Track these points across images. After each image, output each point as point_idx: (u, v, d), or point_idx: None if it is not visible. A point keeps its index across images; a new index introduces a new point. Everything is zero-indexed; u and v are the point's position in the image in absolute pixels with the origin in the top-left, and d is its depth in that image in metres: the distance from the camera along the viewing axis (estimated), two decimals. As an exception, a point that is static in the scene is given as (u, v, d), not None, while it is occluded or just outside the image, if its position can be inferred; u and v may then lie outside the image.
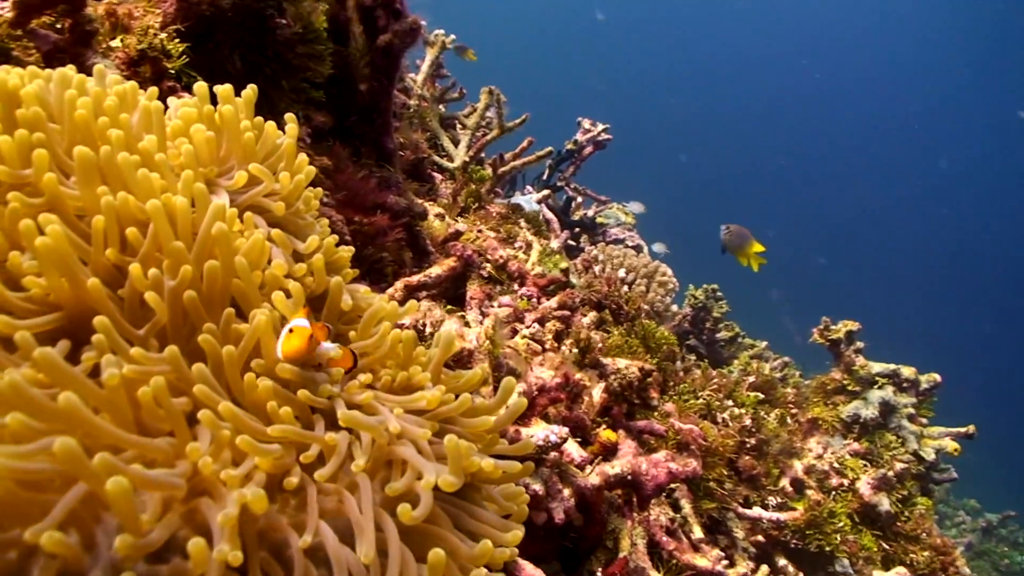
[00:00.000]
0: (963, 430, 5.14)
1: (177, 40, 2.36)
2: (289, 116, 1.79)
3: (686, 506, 3.73)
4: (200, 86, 1.69)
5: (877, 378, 5.07)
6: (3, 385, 0.95)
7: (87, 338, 1.27)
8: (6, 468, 0.91)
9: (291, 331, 1.29)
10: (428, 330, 2.71)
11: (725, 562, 3.58)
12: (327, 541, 1.11)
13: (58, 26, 2.10)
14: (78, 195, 1.34)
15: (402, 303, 3.10)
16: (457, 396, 1.43)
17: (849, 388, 5.10)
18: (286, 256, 1.54)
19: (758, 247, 5.56)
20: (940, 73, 52.78)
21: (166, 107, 1.71)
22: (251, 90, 1.76)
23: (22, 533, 0.95)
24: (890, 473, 4.58)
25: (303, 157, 1.71)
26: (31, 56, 1.98)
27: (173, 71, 2.23)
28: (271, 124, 1.74)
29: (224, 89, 1.70)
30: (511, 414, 1.49)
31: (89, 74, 2.10)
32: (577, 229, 6.81)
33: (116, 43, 2.23)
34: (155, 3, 2.43)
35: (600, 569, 2.85)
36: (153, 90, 1.62)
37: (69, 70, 1.55)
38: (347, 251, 1.73)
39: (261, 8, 2.69)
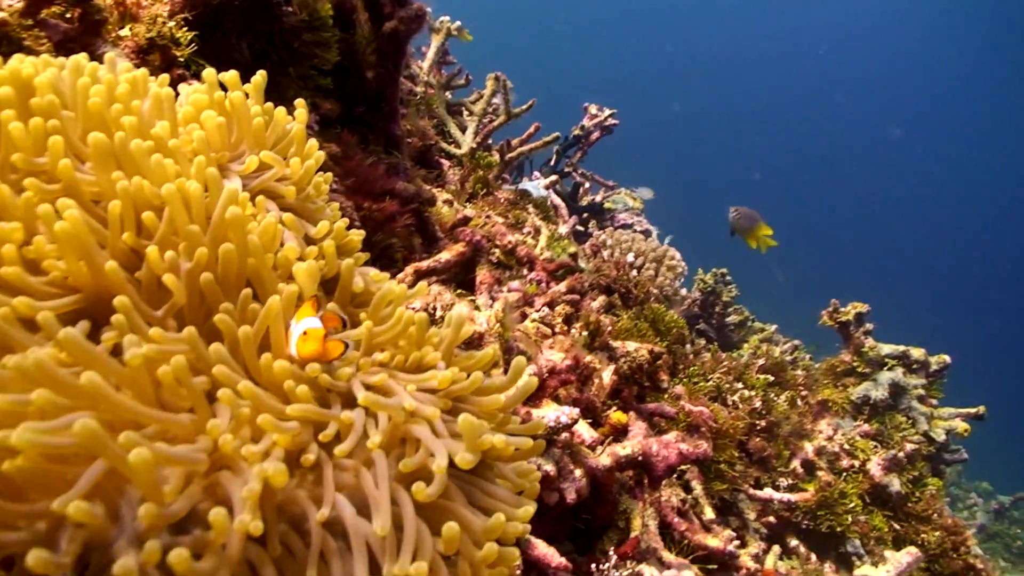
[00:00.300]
0: (973, 410, 5.15)
1: (185, 28, 2.37)
2: (299, 101, 1.80)
3: (697, 487, 3.76)
4: (209, 72, 1.71)
5: (887, 359, 5.08)
6: (29, 363, 0.98)
7: (106, 319, 1.29)
8: (33, 442, 0.93)
9: (305, 333, 1.30)
10: (439, 313, 2.73)
11: (736, 542, 3.60)
12: (344, 514, 1.14)
13: (67, 16, 2.11)
14: (94, 180, 1.36)
15: (412, 288, 3.13)
16: (469, 375, 1.45)
17: (859, 370, 5.11)
18: (298, 239, 1.56)
19: (767, 229, 5.53)
20: (957, 55, 52.46)
21: (176, 94, 1.74)
22: (260, 76, 1.78)
23: (50, 504, 0.97)
24: (900, 454, 4.60)
25: (313, 142, 1.73)
26: (43, 45, 2.00)
27: (182, 59, 2.25)
28: (281, 110, 1.76)
29: (231, 75, 1.72)
30: (522, 392, 1.51)
31: (98, 62, 2.13)
32: (585, 215, 6.83)
33: (125, 32, 2.25)
34: (163, -8, 2.45)
35: (612, 548, 2.88)
36: (164, 77, 1.64)
37: (82, 58, 1.57)
38: (357, 235, 1.75)
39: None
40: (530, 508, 1.36)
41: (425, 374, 1.42)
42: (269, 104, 1.76)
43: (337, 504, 1.13)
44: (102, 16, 2.11)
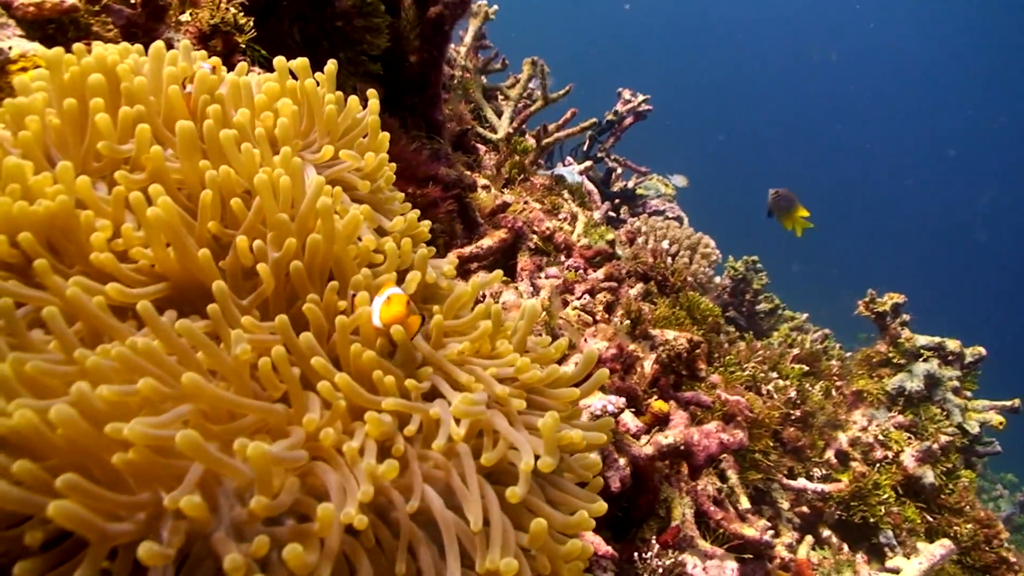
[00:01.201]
0: (1009, 403, 5.13)
1: (242, 14, 2.38)
2: (371, 92, 1.81)
3: (732, 476, 3.76)
4: (279, 61, 1.72)
5: (922, 351, 5.06)
6: (136, 352, 0.99)
7: (190, 306, 1.31)
8: (144, 435, 0.95)
9: (389, 299, 1.33)
10: (487, 299, 2.74)
11: (771, 532, 3.61)
12: (433, 505, 1.15)
13: (131, 1, 2.13)
14: (178, 168, 1.38)
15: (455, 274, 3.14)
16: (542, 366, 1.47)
17: (894, 361, 5.09)
18: (371, 230, 1.58)
19: (804, 211, 5.50)
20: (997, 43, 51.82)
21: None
22: (332, 64, 1.79)
23: (153, 496, 0.99)
24: (934, 446, 4.58)
25: (384, 134, 1.74)
26: (109, 31, 2.01)
27: (243, 45, 2.26)
28: (353, 98, 1.77)
29: (300, 63, 1.72)
30: (595, 383, 1.52)
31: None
32: (617, 200, 6.81)
33: (185, 17, 2.26)
34: (221, -23, 2.45)
35: (653, 537, 2.89)
36: (243, 65, 1.65)
37: (161, 46, 1.58)
38: (426, 225, 1.76)
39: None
40: (603, 505, 1.38)
41: (503, 360, 1.43)
42: (340, 93, 1.77)
43: (426, 495, 1.15)
44: (165, 2, 2.12)
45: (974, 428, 4.91)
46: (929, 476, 4.45)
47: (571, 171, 5.67)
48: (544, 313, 2.85)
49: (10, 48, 1.81)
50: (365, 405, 1.16)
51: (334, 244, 1.35)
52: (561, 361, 2.82)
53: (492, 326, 1.46)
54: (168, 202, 1.22)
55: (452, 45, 5.42)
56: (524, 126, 5.30)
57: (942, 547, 4.14)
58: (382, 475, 1.05)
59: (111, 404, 0.99)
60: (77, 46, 1.48)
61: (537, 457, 1.22)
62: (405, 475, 1.19)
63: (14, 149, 1.34)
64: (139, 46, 1.61)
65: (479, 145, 4.89)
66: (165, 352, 1.10)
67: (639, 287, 4.11)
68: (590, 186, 5.93)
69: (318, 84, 1.73)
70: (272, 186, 1.31)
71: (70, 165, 1.25)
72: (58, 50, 1.42)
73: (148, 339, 1.10)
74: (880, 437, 4.57)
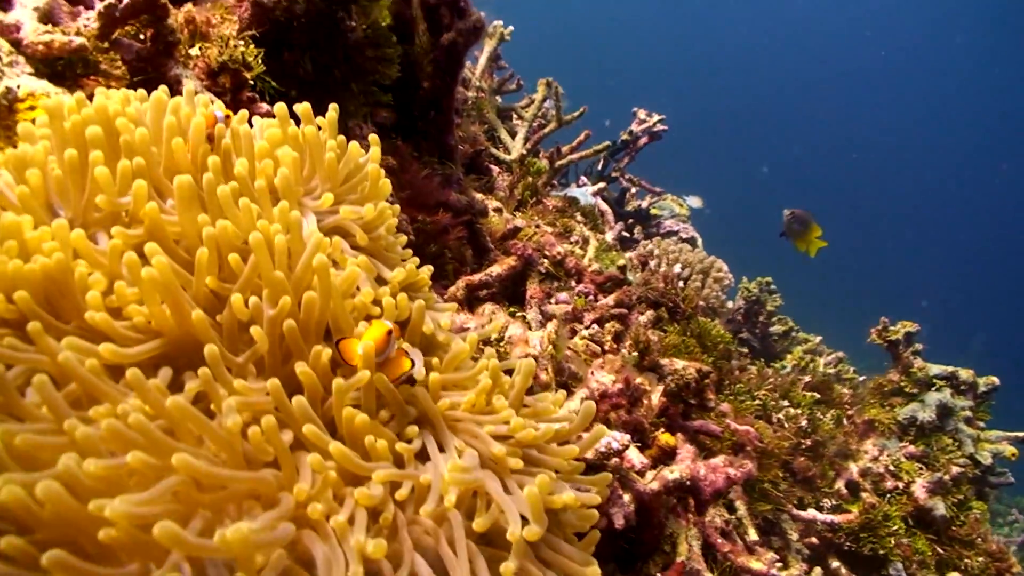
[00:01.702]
0: (1021, 434, 5.07)
1: (253, 46, 2.39)
2: (373, 139, 1.81)
3: (741, 507, 3.73)
4: (280, 107, 1.72)
5: (935, 380, 5.02)
6: (132, 424, 1.00)
7: (186, 362, 1.32)
8: (127, 515, 0.94)
9: (370, 322, 1.36)
10: (494, 336, 2.73)
11: (779, 564, 3.58)
12: (421, 573, 1.15)
13: (140, 37, 2.13)
14: (176, 221, 1.38)
15: (463, 302, 3.14)
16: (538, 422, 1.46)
17: (906, 390, 5.05)
18: (371, 280, 1.57)
19: (818, 231, 5.46)
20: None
21: (249, 121, 1.75)
22: (333, 110, 1.79)
23: (142, 567, 0.99)
24: (946, 477, 4.54)
25: (385, 181, 1.74)
26: (117, 68, 2.02)
27: (252, 81, 2.27)
28: (354, 145, 1.77)
29: (304, 108, 1.73)
30: (591, 441, 1.52)
31: (170, 83, 2.15)
32: (630, 220, 6.79)
33: (195, 51, 2.27)
34: (231, 10, 2.46)
35: (658, 572, 2.87)
36: (243, 113, 1.66)
37: (163, 93, 1.59)
38: (427, 271, 1.76)
39: (332, 12, 2.72)
40: (596, 570, 1.37)
41: (498, 416, 1.43)
42: (342, 138, 1.77)
43: (415, 565, 1.14)
44: (175, 37, 2.13)
45: (986, 459, 4.86)
46: (940, 507, 4.41)
47: (584, 192, 5.66)
48: (551, 347, 2.84)
49: (18, 87, 1.82)
50: (358, 472, 1.16)
51: (331, 300, 1.35)
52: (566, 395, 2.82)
53: (490, 382, 1.45)
54: (163, 263, 1.22)
55: (468, 65, 5.43)
56: (538, 147, 5.30)
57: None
58: (371, 553, 1.05)
59: (99, 479, 0.99)
60: (79, 95, 1.48)
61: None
62: (394, 542, 1.19)
63: (15, 199, 1.35)
64: (142, 92, 1.61)
65: (492, 166, 4.89)
66: (155, 417, 1.10)
67: (649, 314, 4.09)
68: (604, 206, 5.93)
69: (320, 128, 1.74)
70: (268, 243, 1.31)
71: (65, 223, 1.26)
72: (57, 100, 1.43)
73: (139, 407, 1.11)
74: (891, 467, 4.53)
